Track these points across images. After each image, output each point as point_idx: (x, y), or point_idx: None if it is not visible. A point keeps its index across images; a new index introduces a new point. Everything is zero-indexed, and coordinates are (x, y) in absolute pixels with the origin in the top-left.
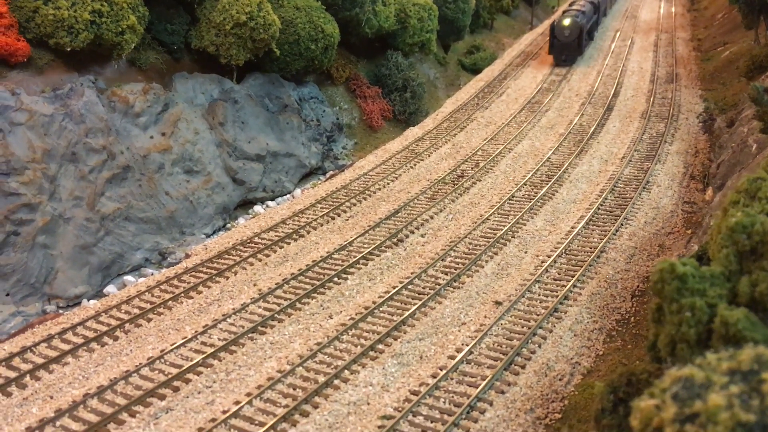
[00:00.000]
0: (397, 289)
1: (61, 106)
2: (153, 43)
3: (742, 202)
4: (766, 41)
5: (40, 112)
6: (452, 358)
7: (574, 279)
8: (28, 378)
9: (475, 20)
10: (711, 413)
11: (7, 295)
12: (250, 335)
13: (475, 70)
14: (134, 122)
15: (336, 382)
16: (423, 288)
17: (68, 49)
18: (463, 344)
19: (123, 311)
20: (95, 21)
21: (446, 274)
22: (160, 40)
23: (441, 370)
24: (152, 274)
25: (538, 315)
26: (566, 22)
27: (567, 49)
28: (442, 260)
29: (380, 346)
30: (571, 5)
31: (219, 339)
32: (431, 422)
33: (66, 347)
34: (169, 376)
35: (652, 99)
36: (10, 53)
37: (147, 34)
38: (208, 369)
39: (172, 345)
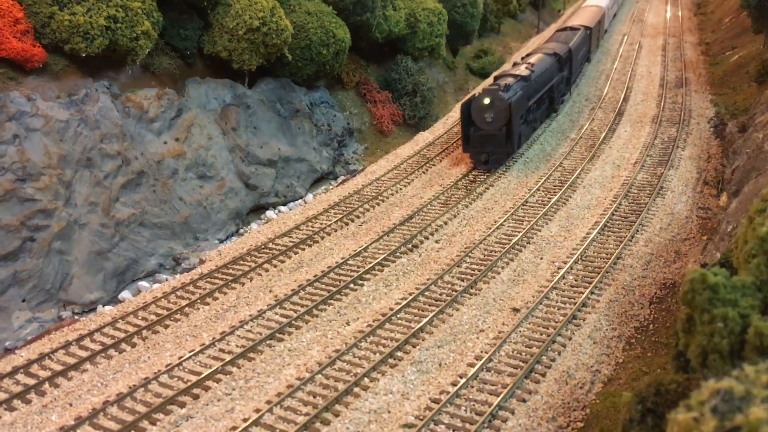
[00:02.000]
0: (413, 295)
1: (77, 112)
2: (166, 48)
3: (766, 211)
4: None
5: (56, 118)
6: (472, 365)
7: (591, 286)
8: (47, 385)
9: (482, 24)
10: (752, 427)
11: (23, 301)
12: (267, 342)
13: (484, 74)
14: (148, 127)
15: (356, 389)
16: (440, 294)
17: (83, 55)
18: (482, 351)
19: (140, 317)
20: (110, 27)
21: (462, 281)
22: (173, 45)
23: (461, 377)
24: (167, 280)
25: (556, 322)
26: (486, 100)
27: (490, 143)
28: (458, 266)
29: (399, 354)
30: (515, 65)
31: (237, 346)
32: (453, 431)
33: (84, 354)
34: (188, 383)
35: (662, 103)
36: (26, 59)
37: (160, 39)
38: (227, 376)
39: (190, 352)
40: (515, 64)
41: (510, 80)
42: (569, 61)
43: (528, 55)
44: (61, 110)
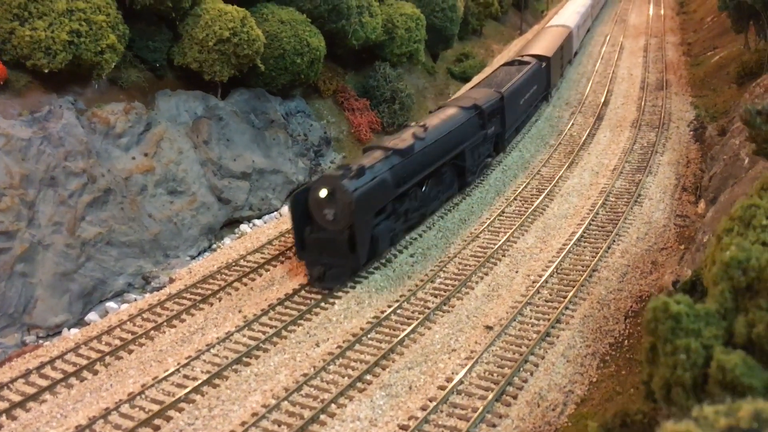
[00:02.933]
0: (386, 313)
1: (40, 129)
2: (134, 60)
3: (736, 230)
4: (755, 46)
5: (18, 136)
6: (442, 388)
7: (566, 301)
8: (4, 418)
9: (463, 27)
10: None
11: None
12: (234, 367)
13: (465, 78)
14: (115, 143)
15: (322, 417)
16: (412, 312)
17: (46, 71)
18: (453, 373)
19: (104, 342)
20: (73, 41)
21: (436, 297)
22: (141, 57)
23: (431, 401)
24: (135, 300)
25: (529, 340)
26: (323, 191)
27: (328, 250)
28: (432, 282)
29: (368, 377)
30: (405, 127)
31: (202, 371)
32: None
33: (44, 383)
34: (150, 413)
35: (642, 107)
36: None
37: (128, 51)
38: (191, 405)
39: (153, 379)
40: (405, 126)
41: (372, 159)
42: (499, 114)
43: (440, 108)
44: (23, 128)
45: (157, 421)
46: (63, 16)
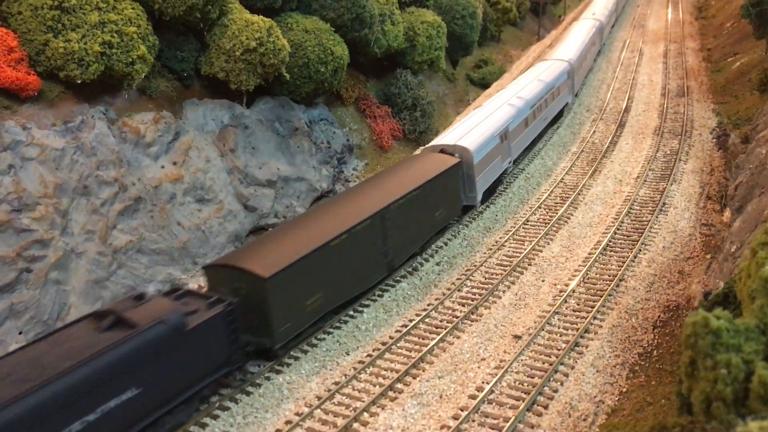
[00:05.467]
0: (414, 322)
1: (73, 139)
2: (163, 70)
3: None
4: None
5: (52, 146)
6: (473, 397)
7: (594, 310)
8: None
9: (482, 33)
10: None
11: (20, 333)
12: (266, 375)
13: (484, 85)
14: (145, 152)
15: (355, 425)
16: (440, 321)
17: (79, 81)
18: (483, 382)
19: None
20: (105, 52)
21: (463, 306)
22: (169, 67)
23: (462, 411)
24: None
25: (559, 350)
26: None
27: None
28: (459, 291)
29: (399, 386)
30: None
31: (234, 379)
32: None
33: None
34: (187, 424)
35: (664, 114)
36: (21, 87)
37: (157, 62)
38: (225, 413)
39: None
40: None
41: None
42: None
43: None
44: (56, 138)
45: (192, 428)
46: (95, 28)
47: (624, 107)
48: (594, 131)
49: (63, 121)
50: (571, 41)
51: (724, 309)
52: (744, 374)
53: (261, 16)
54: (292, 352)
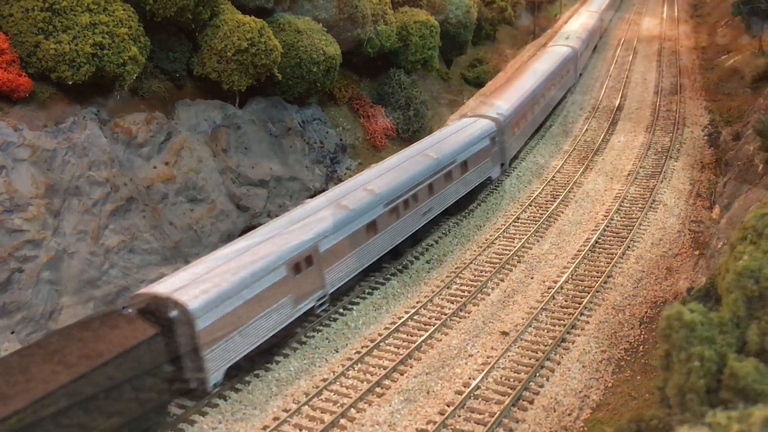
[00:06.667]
0: (403, 319)
1: (64, 140)
2: (155, 71)
3: (750, 239)
4: None
5: (43, 147)
6: (459, 393)
7: (581, 307)
8: None
9: (477, 32)
10: None
11: (12, 332)
12: (255, 372)
13: (479, 84)
14: (137, 153)
15: (342, 421)
16: (429, 318)
17: (70, 83)
18: (470, 378)
19: None
20: (97, 53)
21: (452, 303)
22: (162, 68)
23: (448, 406)
24: None
25: (545, 346)
26: None
27: None
28: (448, 288)
29: (386, 382)
30: None
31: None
32: None
33: None
34: (174, 417)
35: (656, 111)
36: (12, 89)
37: (149, 62)
38: (214, 409)
39: None
40: None
41: None
42: None
43: None
44: (48, 139)
45: (180, 425)
46: (86, 29)
47: (617, 105)
48: (586, 129)
49: (54, 122)
50: (514, 90)
51: (705, 304)
52: (717, 366)
53: (252, 17)
54: (281, 350)
